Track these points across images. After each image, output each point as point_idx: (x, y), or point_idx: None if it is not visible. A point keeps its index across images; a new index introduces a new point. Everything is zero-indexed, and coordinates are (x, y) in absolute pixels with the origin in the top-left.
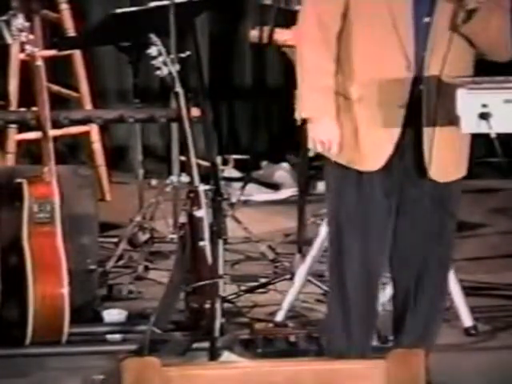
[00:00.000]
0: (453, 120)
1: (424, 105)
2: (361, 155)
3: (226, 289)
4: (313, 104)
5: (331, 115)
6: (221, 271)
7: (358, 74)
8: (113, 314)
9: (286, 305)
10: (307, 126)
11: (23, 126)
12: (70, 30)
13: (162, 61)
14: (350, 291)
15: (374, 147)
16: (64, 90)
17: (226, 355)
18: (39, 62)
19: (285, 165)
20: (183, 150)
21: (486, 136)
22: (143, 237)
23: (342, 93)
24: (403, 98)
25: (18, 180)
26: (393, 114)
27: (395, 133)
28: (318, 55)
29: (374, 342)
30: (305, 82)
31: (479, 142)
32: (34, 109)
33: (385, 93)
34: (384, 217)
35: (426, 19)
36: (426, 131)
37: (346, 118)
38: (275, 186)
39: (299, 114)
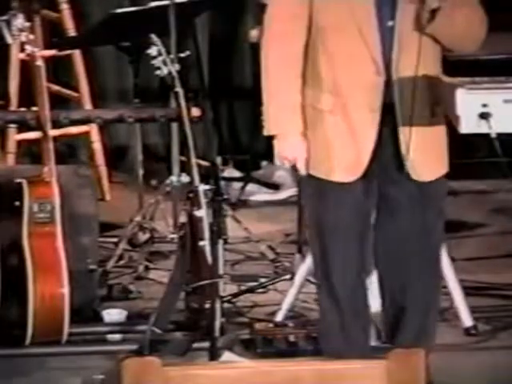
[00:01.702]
0: (431, 121)
1: (397, 107)
2: (338, 167)
3: (226, 289)
4: (278, 121)
5: (297, 132)
6: (221, 271)
7: (327, 84)
8: (113, 314)
9: (285, 305)
10: (273, 142)
11: (23, 126)
12: (70, 30)
13: (162, 61)
14: (339, 291)
15: (351, 158)
16: (64, 90)
17: (226, 355)
18: (39, 62)
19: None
20: (183, 150)
21: (486, 136)
22: (143, 237)
23: (314, 105)
24: (376, 102)
25: (18, 180)
26: (366, 120)
27: (371, 140)
28: (285, 71)
29: (374, 342)
30: (270, 99)
31: (479, 141)
32: (34, 109)
33: (357, 99)
34: (364, 221)
35: (390, 23)
36: (403, 132)
37: (318, 130)
38: (275, 186)
39: (265, 131)
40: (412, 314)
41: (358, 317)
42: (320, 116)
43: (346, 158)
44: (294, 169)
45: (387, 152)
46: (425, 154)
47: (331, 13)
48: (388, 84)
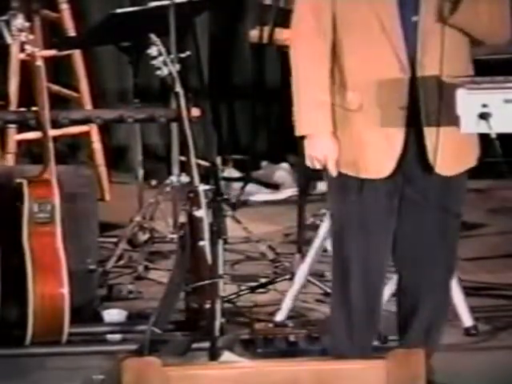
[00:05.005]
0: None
1: (422, 105)
2: (366, 164)
3: (226, 289)
4: (309, 121)
5: (327, 131)
6: (221, 271)
7: (353, 82)
8: (113, 314)
9: (285, 305)
10: (304, 142)
11: (23, 126)
12: (70, 30)
13: (162, 61)
14: (353, 296)
15: (378, 156)
16: (64, 90)
17: (226, 355)
18: (39, 62)
19: (285, 165)
20: (183, 150)
21: (485, 136)
22: (143, 237)
23: (341, 104)
24: (402, 100)
25: (18, 180)
26: (394, 118)
27: (399, 137)
28: (314, 70)
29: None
30: (300, 99)
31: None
32: (34, 109)
33: (383, 97)
34: (387, 220)
35: (414, 18)
36: (428, 130)
37: (348, 129)
38: (275, 186)
39: (296, 131)
40: (425, 310)
41: (367, 323)
42: (348, 115)
43: (376, 156)
44: (324, 170)
45: (412, 150)
46: (451, 148)
47: (353, 10)
48: (413, 82)
